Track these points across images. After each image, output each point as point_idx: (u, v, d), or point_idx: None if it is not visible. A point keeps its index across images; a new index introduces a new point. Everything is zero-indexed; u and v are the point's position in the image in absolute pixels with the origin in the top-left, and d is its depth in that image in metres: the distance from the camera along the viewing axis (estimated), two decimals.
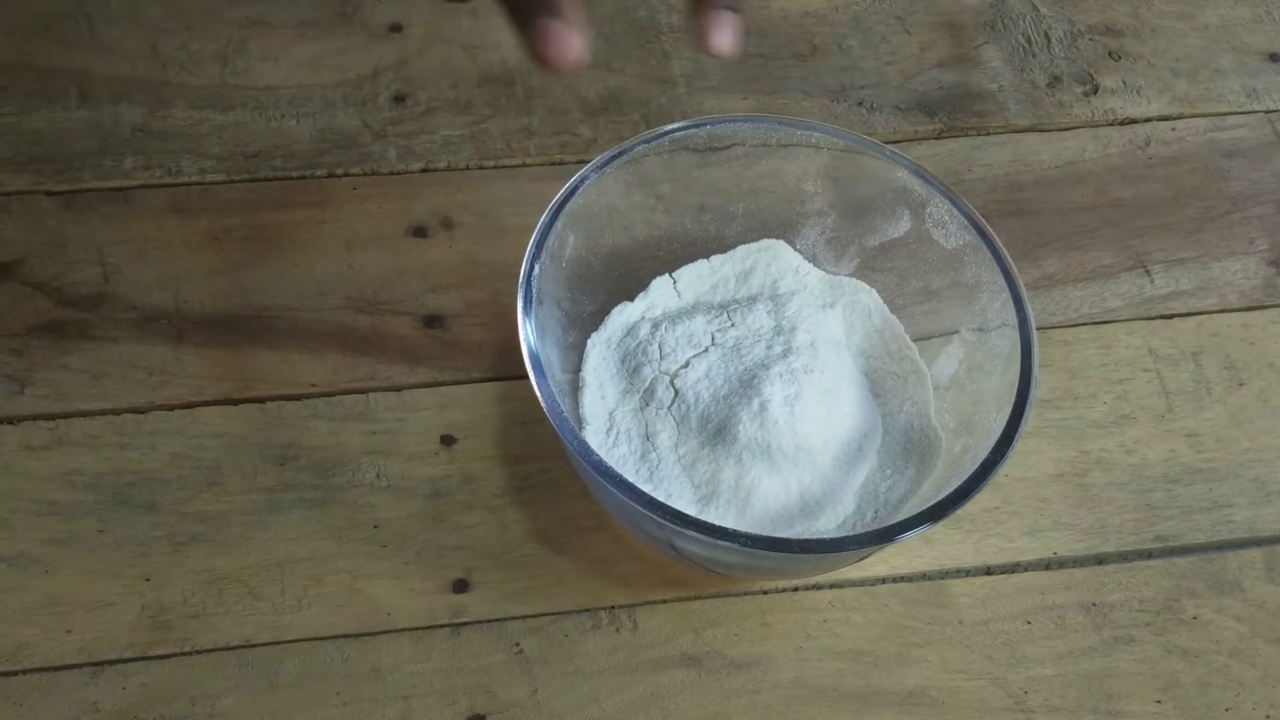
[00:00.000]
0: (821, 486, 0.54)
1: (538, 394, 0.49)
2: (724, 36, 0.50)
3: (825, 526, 0.53)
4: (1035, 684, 0.54)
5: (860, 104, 0.69)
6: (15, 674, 0.51)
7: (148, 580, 0.53)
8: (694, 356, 0.56)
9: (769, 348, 0.56)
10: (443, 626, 0.53)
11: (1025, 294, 0.53)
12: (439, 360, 0.59)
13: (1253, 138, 0.70)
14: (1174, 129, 0.70)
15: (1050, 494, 0.58)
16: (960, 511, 0.49)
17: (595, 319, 0.57)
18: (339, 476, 0.56)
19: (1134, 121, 0.70)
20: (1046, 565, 0.57)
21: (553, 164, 0.66)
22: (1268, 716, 0.54)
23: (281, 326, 0.59)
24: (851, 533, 0.53)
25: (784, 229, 0.59)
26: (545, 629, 0.53)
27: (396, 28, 0.70)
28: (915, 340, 0.58)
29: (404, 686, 0.52)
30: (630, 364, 0.56)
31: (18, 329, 0.58)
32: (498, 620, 0.53)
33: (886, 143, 0.57)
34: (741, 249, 0.59)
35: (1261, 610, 0.56)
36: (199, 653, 0.52)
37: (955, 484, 0.49)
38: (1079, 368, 0.62)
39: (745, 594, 0.55)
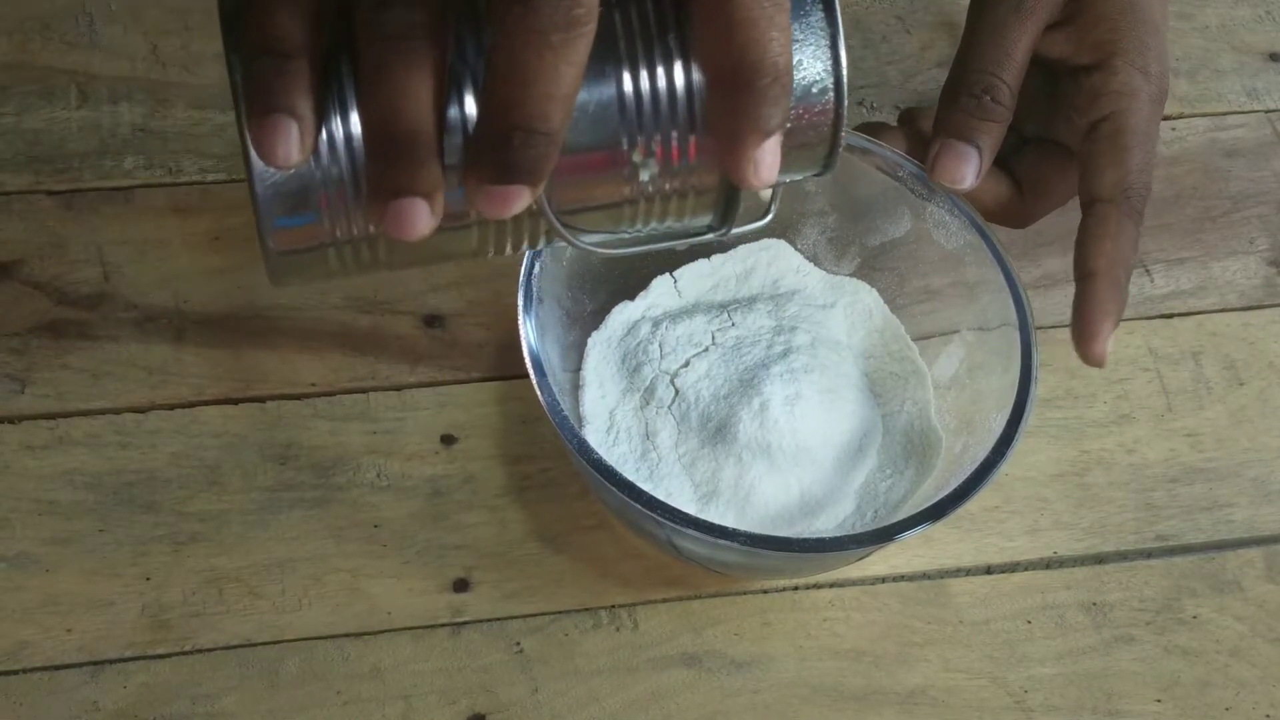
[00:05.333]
0: (821, 486, 0.54)
1: (538, 393, 0.49)
2: (957, 171, 0.54)
3: (825, 526, 0.53)
4: (1035, 683, 0.54)
5: (860, 104, 0.69)
6: (15, 673, 0.51)
7: (148, 580, 0.53)
8: (694, 356, 0.56)
9: (769, 347, 0.56)
10: (443, 626, 0.53)
11: (1025, 294, 0.53)
12: (439, 360, 0.59)
13: (1253, 138, 0.70)
14: (1174, 129, 0.70)
15: (1050, 493, 0.58)
16: (960, 511, 0.49)
17: (596, 318, 0.57)
18: (339, 476, 0.56)
19: None
20: (1047, 565, 0.57)
21: None
22: (1268, 716, 0.54)
23: (281, 326, 0.59)
24: (851, 532, 0.53)
25: (784, 228, 0.59)
26: (545, 628, 0.53)
27: None
28: (915, 340, 0.58)
29: (404, 686, 0.52)
30: (630, 363, 0.56)
31: (18, 329, 0.58)
32: (498, 620, 0.53)
33: None
34: (742, 248, 0.59)
35: (1261, 610, 0.56)
36: (199, 652, 0.52)
37: (955, 483, 0.49)
38: (1079, 367, 0.61)
39: (745, 593, 0.55)
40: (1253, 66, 0.73)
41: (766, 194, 0.42)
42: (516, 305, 0.51)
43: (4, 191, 0.62)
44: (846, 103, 0.39)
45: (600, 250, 0.41)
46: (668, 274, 0.59)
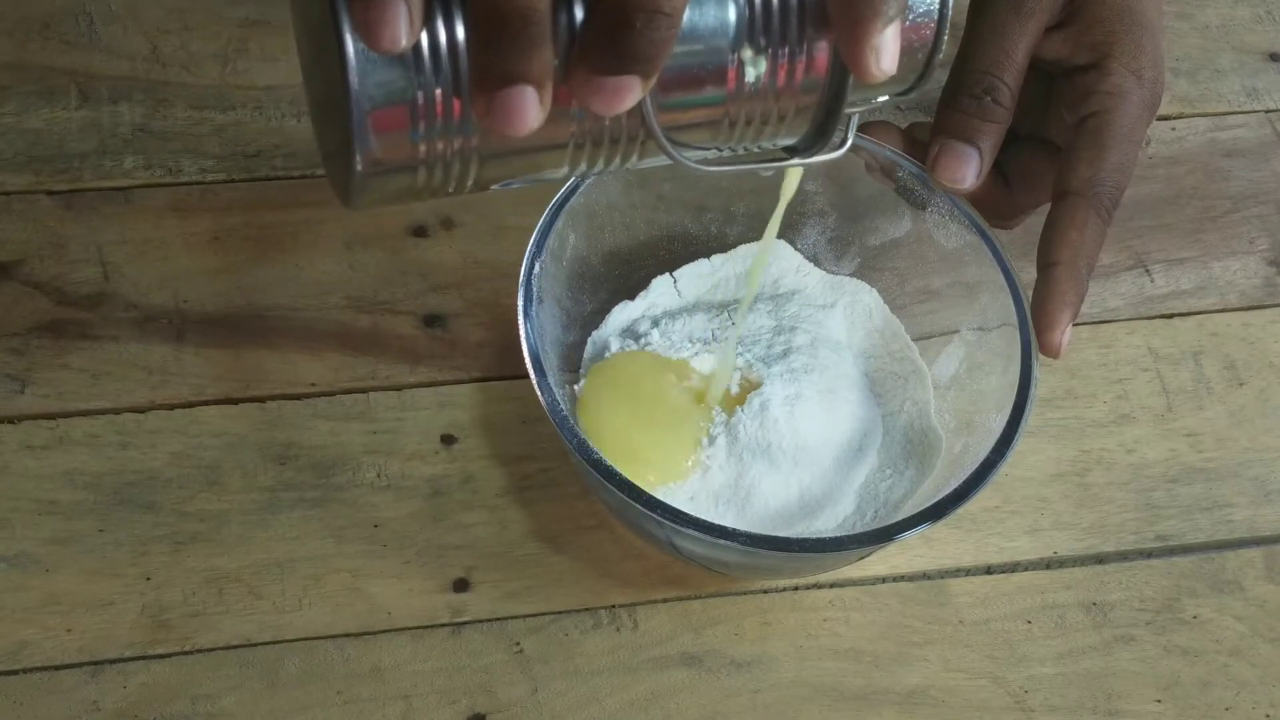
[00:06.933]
0: (821, 486, 0.54)
1: (538, 393, 0.49)
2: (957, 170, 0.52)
3: (825, 526, 0.53)
4: (1035, 683, 0.54)
5: None
6: (15, 673, 0.51)
7: (148, 580, 0.53)
8: (693, 354, 0.56)
9: (769, 347, 0.56)
10: (443, 626, 0.53)
11: (1025, 294, 0.53)
12: (439, 360, 0.59)
13: (1253, 138, 0.70)
14: (1174, 129, 0.70)
15: (1050, 493, 0.58)
16: (960, 511, 0.49)
17: (596, 318, 0.57)
18: (339, 476, 0.56)
19: None
20: (1047, 565, 0.57)
21: None
22: (1268, 716, 0.54)
23: (281, 326, 0.59)
24: (851, 532, 0.53)
25: (785, 229, 0.59)
26: (545, 628, 0.53)
27: None
28: (915, 340, 0.58)
29: (404, 686, 0.52)
30: None
31: (18, 329, 0.58)
32: (498, 620, 0.53)
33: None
34: (742, 248, 0.59)
35: (1261, 610, 0.56)
36: (199, 652, 0.52)
37: (955, 483, 0.49)
38: (1079, 367, 0.62)
39: (745, 593, 0.55)
40: (1253, 66, 0.73)
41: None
42: (516, 305, 0.51)
43: (4, 191, 0.62)
44: (951, 5, 0.39)
45: (695, 166, 0.40)
46: (668, 274, 0.59)
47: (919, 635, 0.55)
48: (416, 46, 0.35)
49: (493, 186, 0.40)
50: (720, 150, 0.40)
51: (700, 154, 0.40)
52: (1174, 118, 0.70)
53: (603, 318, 0.57)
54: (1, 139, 0.63)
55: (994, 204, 0.57)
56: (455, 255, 0.62)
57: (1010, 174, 0.57)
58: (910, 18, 0.39)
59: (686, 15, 0.36)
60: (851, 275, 0.59)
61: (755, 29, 0.37)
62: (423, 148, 0.37)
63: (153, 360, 0.58)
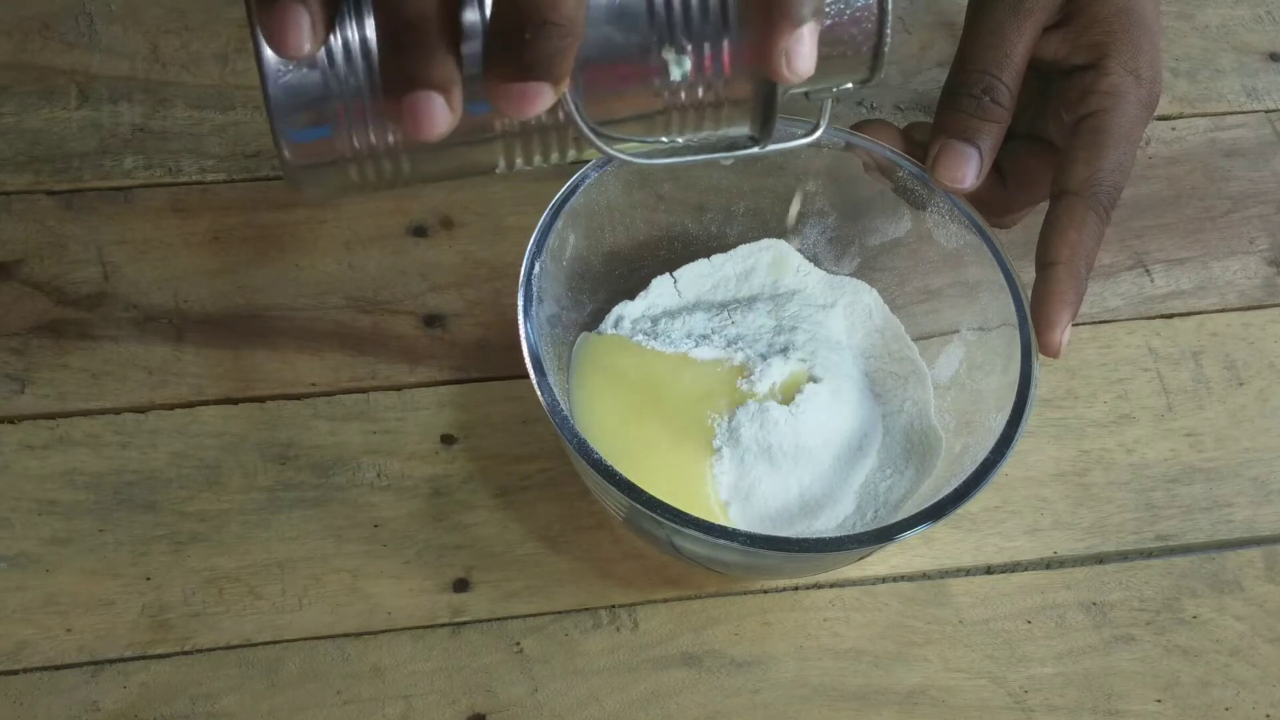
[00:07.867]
0: (821, 486, 0.54)
1: (538, 393, 0.49)
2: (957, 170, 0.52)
3: (825, 526, 0.53)
4: (1035, 683, 0.54)
5: (860, 104, 0.69)
6: (15, 673, 0.51)
7: (148, 579, 0.53)
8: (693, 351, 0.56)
9: (769, 347, 0.56)
10: (443, 626, 0.53)
11: (1025, 294, 0.54)
12: (439, 360, 0.59)
13: (1253, 138, 0.70)
14: (1174, 129, 0.70)
15: (1050, 493, 0.58)
16: (960, 511, 0.49)
17: (596, 318, 0.57)
18: (339, 476, 0.56)
19: None
20: (1046, 565, 0.57)
21: None
22: (1268, 716, 0.54)
23: (281, 326, 0.59)
24: (851, 532, 0.53)
25: (784, 229, 0.59)
26: (545, 628, 0.53)
27: None
28: (915, 340, 0.58)
29: (404, 686, 0.52)
30: None
31: (18, 329, 0.58)
32: (498, 619, 0.53)
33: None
34: (742, 248, 0.59)
35: (1261, 610, 0.56)
36: (199, 652, 0.52)
37: (955, 483, 0.49)
38: (1079, 367, 0.62)
39: (745, 593, 0.55)
40: (1253, 66, 0.73)
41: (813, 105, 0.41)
42: (516, 305, 0.51)
43: (4, 191, 0.62)
44: None
45: (634, 159, 0.39)
46: (668, 274, 0.59)
47: (919, 635, 0.55)
48: (330, 51, 0.36)
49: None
50: (667, 141, 0.40)
51: (639, 146, 0.40)
52: (1174, 118, 0.70)
53: (603, 318, 0.57)
54: (1, 139, 0.63)
55: (991, 203, 0.57)
56: (455, 255, 0.62)
57: (1007, 173, 0.58)
58: (848, 12, 0.38)
59: (603, 15, 0.36)
60: (851, 275, 0.59)
61: (676, 29, 0.37)
62: (344, 146, 0.37)
63: (153, 360, 0.58)
